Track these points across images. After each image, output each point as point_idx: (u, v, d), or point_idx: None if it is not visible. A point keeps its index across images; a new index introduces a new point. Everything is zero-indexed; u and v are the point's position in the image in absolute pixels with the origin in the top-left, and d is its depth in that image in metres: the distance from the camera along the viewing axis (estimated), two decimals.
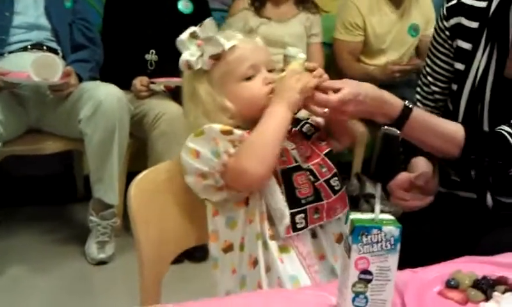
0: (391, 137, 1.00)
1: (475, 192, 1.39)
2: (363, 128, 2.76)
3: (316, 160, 1.13)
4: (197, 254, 2.22)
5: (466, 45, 1.38)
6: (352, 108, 1.12)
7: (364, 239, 0.84)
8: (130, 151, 2.47)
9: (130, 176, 2.33)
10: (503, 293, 0.91)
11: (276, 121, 1.06)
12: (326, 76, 1.12)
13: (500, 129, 1.25)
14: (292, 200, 1.07)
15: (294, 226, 1.07)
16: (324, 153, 1.15)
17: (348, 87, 1.11)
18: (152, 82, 2.52)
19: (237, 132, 1.07)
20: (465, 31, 1.38)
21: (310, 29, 2.86)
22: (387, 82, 2.71)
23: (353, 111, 1.13)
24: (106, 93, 2.25)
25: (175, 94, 2.58)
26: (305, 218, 1.08)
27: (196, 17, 2.69)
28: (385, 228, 0.84)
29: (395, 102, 1.16)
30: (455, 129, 1.23)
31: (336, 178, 1.13)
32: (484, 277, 0.96)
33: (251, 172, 1.03)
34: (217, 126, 1.06)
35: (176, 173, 1.27)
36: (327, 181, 1.12)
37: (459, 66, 1.39)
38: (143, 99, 2.51)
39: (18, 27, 2.36)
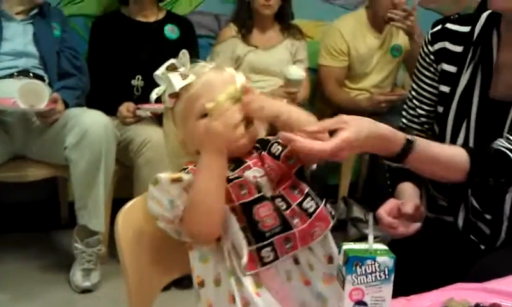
0: (378, 163, 0.99)
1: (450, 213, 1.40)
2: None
3: (287, 183, 1.06)
4: (185, 281, 2.19)
5: (451, 68, 1.41)
6: (346, 153, 1.04)
7: (358, 270, 0.84)
8: (115, 178, 2.45)
9: (115, 202, 2.35)
10: None
11: (206, 174, 1.00)
12: (254, 100, 1.02)
13: (500, 146, 1.24)
14: (256, 234, 1.01)
15: (262, 261, 1.02)
16: (294, 171, 1.06)
17: (347, 132, 1.02)
18: (138, 108, 2.52)
19: (186, 177, 1.03)
20: (450, 54, 1.41)
21: (296, 55, 2.89)
22: (372, 111, 2.76)
23: (347, 154, 1.06)
24: (92, 120, 2.24)
25: (161, 120, 2.58)
26: (274, 250, 1.01)
27: (183, 43, 2.73)
28: (379, 259, 0.84)
29: (396, 138, 1.11)
30: (458, 154, 1.20)
31: (309, 198, 1.04)
32: (477, 305, 0.97)
33: (198, 234, 1.04)
34: (166, 176, 1.03)
35: None
36: (299, 205, 1.03)
37: (445, 88, 1.42)
38: (129, 125, 2.51)
39: (5, 54, 2.34)
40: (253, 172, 1.06)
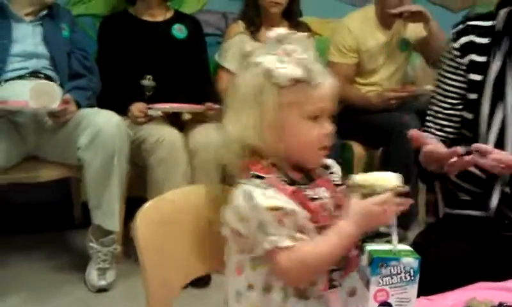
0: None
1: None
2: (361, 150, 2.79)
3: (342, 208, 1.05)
4: (200, 280, 2.21)
5: (481, 58, 1.54)
6: None
7: (383, 271, 0.85)
8: (128, 177, 2.46)
9: (128, 201, 2.36)
10: None
11: (341, 241, 0.98)
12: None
13: None
14: None
15: (330, 283, 1.02)
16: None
17: None
18: (150, 108, 2.53)
19: (288, 207, 0.98)
20: (477, 46, 1.55)
21: None
22: (382, 107, 2.77)
23: None
24: (105, 119, 2.25)
25: (173, 119, 2.59)
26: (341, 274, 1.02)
27: (191, 42, 2.74)
28: (404, 260, 0.85)
29: None
30: None
31: None
32: (501, 305, 0.97)
33: (295, 282, 1.02)
34: (263, 203, 0.98)
35: (182, 202, 1.29)
36: None
37: (476, 77, 1.54)
38: (141, 125, 2.52)
39: (16, 55, 2.35)
40: (323, 192, 1.05)
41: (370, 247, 0.87)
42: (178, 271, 1.27)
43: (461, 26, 1.59)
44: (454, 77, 1.59)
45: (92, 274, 2.33)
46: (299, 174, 1.07)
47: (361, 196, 0.99)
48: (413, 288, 0.85)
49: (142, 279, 1.19)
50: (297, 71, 1.03)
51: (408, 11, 2.76)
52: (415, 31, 2.89)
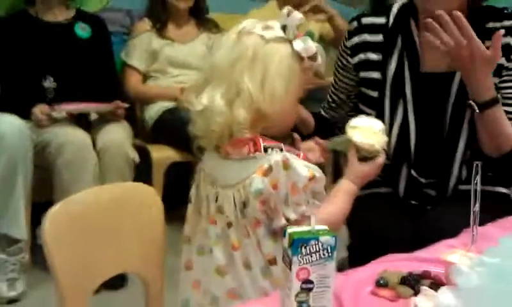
0: None
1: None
2: None
3: None
4: (115, 282, 2.17)
5: (376, 56, 1.58)
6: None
7: (303, 250, 0.88)
8: (33, 181, 2.36)
9: (34, 206, 2.26)
10: (429, 286, 0.99)
11: (350, 199, 1.16)
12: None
13: None
14: None
15: None
16: None
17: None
18: (53, 110, 2.44)
19: (318, 176, 1.09)
20: (371, 44, 1.59)
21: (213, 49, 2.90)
22: None
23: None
24: (7, 125, 2.17)
25: (79, 120, 2.51)
26: None
27: (95, 41, 2.67)
28: (322, 238, 0.89)
29: (492, 88, 1.40)
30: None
31: None
32: (410, 274, 1.03)
33: None
34: (305, 173, 1.07)
35: (91, 203, 1.28)
36: None
37: (376, 74, 1.58)
38: (45, 128, 2.42)
39: None
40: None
41: (290, 229, 0.91)
42: (91, 273, 1.25)
43: (354, 24, 1.62)
44: (344, 73, 1.66)
45: (1, 286, 2.22)
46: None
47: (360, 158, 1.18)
48: (332, 264, 0.89)
49: (55, 286, 1.17)
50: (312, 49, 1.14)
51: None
52: (318, 24, 2.98)
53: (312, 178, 1.07)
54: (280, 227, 1.08)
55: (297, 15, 1.15)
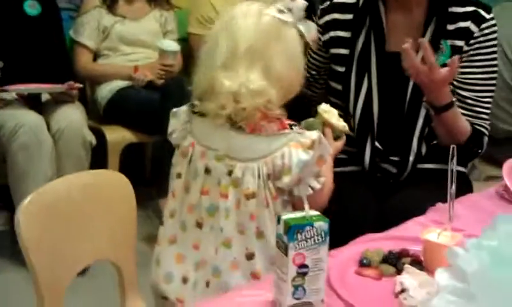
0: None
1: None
2: None
3: None
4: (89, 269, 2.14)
5: (345, 34, 1.67)
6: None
7: (299, 236, 0.92)
8: None
9: None
10: (410, 264, 1.05)
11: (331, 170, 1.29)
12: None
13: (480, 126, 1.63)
14: None
15: None
16: None
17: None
18: (3, 91, 2.34)
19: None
20: (341, 23, 1.68)
21: (165, 25, 2.86)
22: None
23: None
24: None
25: (30, 102, 2.43)
26: None
27: (46, 18, 2.57)
28: (316, 224, 0.93)
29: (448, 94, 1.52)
30: (467, 126, 1.59)
31: None
32: (390, 252, 1.10)
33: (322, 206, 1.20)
34: (329, 150, 1.19)
35: (63, 193, 1.28)
36: None
37: (343, 51, 1.67)
38: None
39: None
40: None
41: (284, 216, 0.93)
42: (68, 263, 1.26)
43: (327, 3, 1.71)
44: (315, 51, 1.74)
45: None
46: None
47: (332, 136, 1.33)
48: (325, 248, 0.93)
49: (32, 278, 1.17)
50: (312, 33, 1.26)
51: None
52: None
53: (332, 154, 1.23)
54: (300, 196, 1.15)
55: (301, 1, 1.23)
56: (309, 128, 1.26)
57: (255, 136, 1.17)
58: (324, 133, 1.26)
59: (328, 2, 1.71)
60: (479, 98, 1.62)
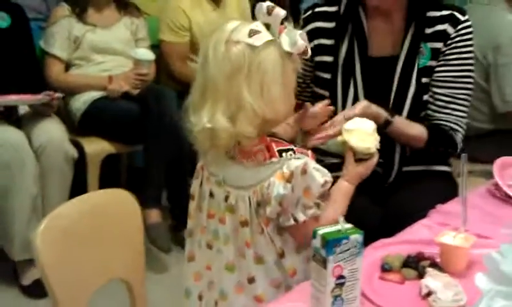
0: None
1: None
2: None
3: None
4: None
5: (329, 41, 1.72)
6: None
7: (337, 249, 0.97)
8: None
9: None
10: (430, 266, 1.12)
11: (347, 200, 1.22)
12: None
13: (440, 122, 1.68)
14: None
15: None
16: None
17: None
18: None
19: (329, 181, 1.14)
20: (324, 31, 1.72)
21: (136, 33, 2.84)
22: None
23: None
24: None
25: (6, 116, 2.37)
26: None
27: (15, 30, 2.51)
28: (352, 237, 0.98)
29: (382, 116, 1.56)
30: (421, 131, 1.64)
31: None
32: (409, 256, 1.16)
33: None
34: (320, 179, 1.11)
35: (75, 215, 1.29)
36: None
37: (328, 58, 1.72)
38: None
39: None
40: None
41: (321, 231, 0.98)
42: (84, 284, 1.28)
43: (309, 12, 1.75)
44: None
45: None
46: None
47: (354, 158, 1.24)
48: (360, 258, 0.99)
49: (51, 301, 1.19)
50: (300, 43, 1.14)
51: None
52: (238, 7, 3.02)
53: (325, 184, 1.12)
54: (286, 226, 1.15)
55: (280, 12, 1.13)
56: (329, 149, 1.27)
57: (245, 165, 1.16)
58: (346, 156, 1.25)
59: (310, 12, 1.76)
60: (454, 95, 1.69)
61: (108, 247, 1.33)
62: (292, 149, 1.16)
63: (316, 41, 1.73)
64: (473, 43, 1.72)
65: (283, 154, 1.14)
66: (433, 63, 1.67)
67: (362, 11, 1.69)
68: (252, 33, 1.12)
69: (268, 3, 1.14)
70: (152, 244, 2.42)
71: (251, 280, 1.19)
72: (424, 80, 1.67)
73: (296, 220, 1.13)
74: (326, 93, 1.72)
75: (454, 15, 1.69)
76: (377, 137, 1.25)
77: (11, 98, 2.31)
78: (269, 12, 1.13)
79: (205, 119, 1.12)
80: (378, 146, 1.25)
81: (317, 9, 1.76)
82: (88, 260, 1.28)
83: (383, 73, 1.68)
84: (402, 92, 1.66)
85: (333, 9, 1.73)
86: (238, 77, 1.10)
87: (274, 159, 1.14)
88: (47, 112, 2.38)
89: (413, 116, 1.67)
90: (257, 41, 1.11)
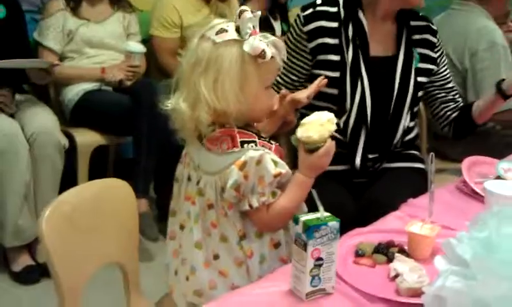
0: None
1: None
2: None
3: None
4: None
5: (333, 41, 1.80)
6: None
7: (316, 234, 1.09)
8: None
9: None
10: (398, 252, 1.24)
11: (305, 192, 1.28)
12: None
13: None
14: None
15: None
16: None
17: None
18: None
19: (284, 172, 1.24)
20: (328, 30, 1.80)
21: (128, 28, 2.93)
22: None
23: None
24: None
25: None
26: None
27: (11, 21, 2.58)
28: (330, 224, 1.10)
29: None
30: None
31: None
32: (380, 244, 1.29)
33: (273, 230, 1.31)
34: (272, 169, 1.22)
35: (76, 202, 1.38)
36: None
37: (334, 57, 1.80)
38: None
39: None
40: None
41: (302, 217, 1.10)
42: (83, 266, 1.38)
43: (310, 11, 1.82)
44: (298, 57, 1.86)
45: None
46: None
47: (306, 151, 1.26)
48: (336, 243, 1.11)
49: (53, 280, 1.28)
50: (267, 47, 1.22)
51: None
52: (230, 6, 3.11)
53: (278, 175, 1.24)
54: (243, 210, 1.27)
55: (247, 15, 1.22)
56: (293, 143, 1.33)
57: (212, 152, 1.27)
58: (298, 148, 1.29)
59: (311, 10, 1.82)
60: (456, 87, 2.01)
61: (106, 232, 1.43)
62: (254, 142, 1.26)
63: (320, 40, 1.80)
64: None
65: (245, 145, 1.24)
66: (423, 65, 1.87)
67: (362, 13, 1.81)
68: (219, 32, 1.24)
69: (243, 7, 1.25)
70: (140, 233, 2.51)
71: (215, 256, 1.31)
72: (419, 79, 1.85)
73: (250, 206, 1.24)
74: (334, 91, 1.79)
75: (430, 26, 1.90)
76: (331, 127, 1.25)
77: (12, 61, 2.35)
78: (239, 15, 1.24)
79: (172, 101, 1.27)
80: (331, 134, 1.25)
81: (318, 8, 1.82)
82: (88, 244, 1.38)
83: (385, 72, 1.82)
84: (403, 89, 1.82)
85: (334, 9, 1.82)
86: (198, 68, 1.23)
87: (235, 149, 1.24)
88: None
89: (411, 111, 1.85)
90: (220, 38, 1.23)
